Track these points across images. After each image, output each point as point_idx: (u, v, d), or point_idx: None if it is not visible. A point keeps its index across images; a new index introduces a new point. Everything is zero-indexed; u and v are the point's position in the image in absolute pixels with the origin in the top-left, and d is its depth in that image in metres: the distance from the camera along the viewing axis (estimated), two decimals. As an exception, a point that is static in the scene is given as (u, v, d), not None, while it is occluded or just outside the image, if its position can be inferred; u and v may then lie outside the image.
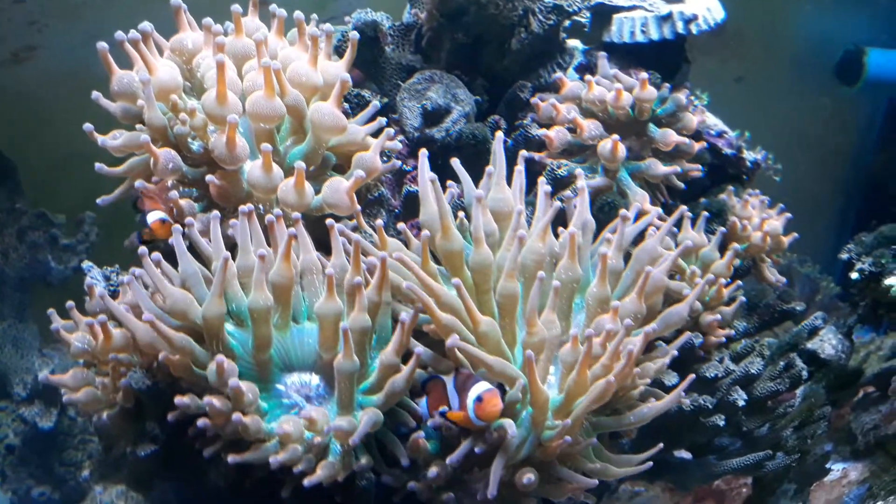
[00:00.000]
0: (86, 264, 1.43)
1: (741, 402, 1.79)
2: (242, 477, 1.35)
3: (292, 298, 1.33)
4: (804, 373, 1.92)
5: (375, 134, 1.58)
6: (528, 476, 1.34)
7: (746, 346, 1.86)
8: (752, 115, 3.33)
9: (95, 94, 1.51)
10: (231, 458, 1.22)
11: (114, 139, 1.49)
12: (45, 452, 2.33)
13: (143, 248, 1.27)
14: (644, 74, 1.72)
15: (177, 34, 1.57)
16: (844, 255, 2.05)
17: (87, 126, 1.48)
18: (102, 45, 1.43)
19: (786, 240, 1.96)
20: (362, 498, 1.31)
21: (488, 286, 1.45)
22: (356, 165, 1.52)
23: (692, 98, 2.00)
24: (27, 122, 2.87)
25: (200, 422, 1.21)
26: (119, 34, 1.43)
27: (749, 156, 1.99)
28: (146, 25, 1.49)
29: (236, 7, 1.56)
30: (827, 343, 2.06)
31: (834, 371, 2.10)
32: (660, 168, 1.76)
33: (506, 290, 1.40)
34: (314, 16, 1.85)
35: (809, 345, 2.05)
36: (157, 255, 1.27)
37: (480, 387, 1.26)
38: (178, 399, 1.22)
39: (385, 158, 1.68)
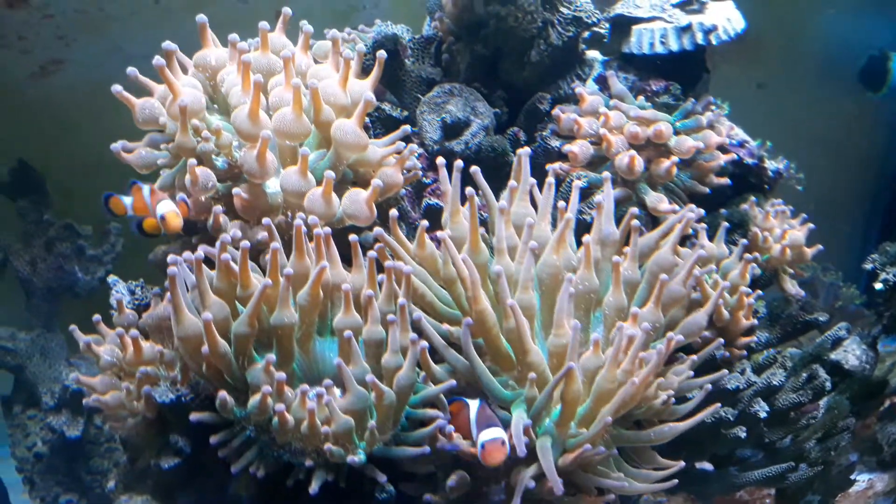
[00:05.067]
0: (111, 278, 1.46)
1: (763, 414, 1.77)
2: (265, 491, 1.36)
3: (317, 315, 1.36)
4: (827, 384, 1.90)
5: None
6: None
7: (768, 357, 1.85)
8: (774, 121, 3.30)
9: (115, 146, 1.53)
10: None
11: (139, 157, 1.54)
12: (73, 461, 2.37)
13: (199, 254, 1.27)
14: (661, 85, 1.73)
15: (200, 51, 1.60)
16: (868, 265, 2.02)
17: (115, 146, 1.52)
18: (117, 87, 1.46)
19: (809, 251, 1.94)
20: (383, 509, 1.31)
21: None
22: (379, 179, 1.53)
23: (713, 108, 1.99)
24: (54, 133, 2.93)
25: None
26: (130, 70, 1.46)
27: (771, 165, 1.97)
28: (170, 44, 1.51)
29: (264, 24, 1.59)
30: (851, 354, 2.03)
31: (858, 382, 2.07)
32: (662, 164, 1.74)
33: (522, 301, 1.40)
34: (347, 30, 1.87)
35: (833, 355, 2.03)
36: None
37: (489, 433, 1.27)
38: (220, 394, 1.24)
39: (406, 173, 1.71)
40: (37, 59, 3.03)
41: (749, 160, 1.94)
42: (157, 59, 1.44)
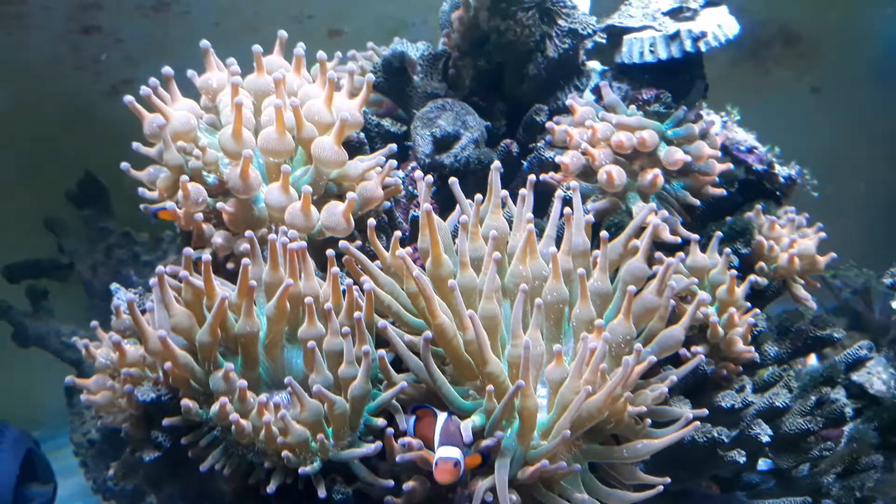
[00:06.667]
0: (114, 286, 1.60)
1: (765, 438, 1.68)
2: (244, 486, 1.45)
3: (287, 323, 1.44)
4: (848, 410, 1.79)
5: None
6: (511, 496, 1.36)
7: (773, 374, 1.77)
8: (830, 126, 3.12)
9: (136, 144, 1.69)
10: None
11: (149, 175, 1.68)
12: (120, 447, 2.57)
13: (159, 268, 1.40)
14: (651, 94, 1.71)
15: (204, 74, 1.73)
16: (888, 280, 1.89)
17: (124, 165, 1.67)
18: (129, 98, 1.60)
19: (822, 260, 1.84)
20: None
21: (475, 308, 1.48)
22: (357, 193, 1.61)
23: (723, 117, 1.93)
24: (122, 148, 3.19)
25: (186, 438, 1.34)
26: (143, 89, 1.60)
27: (782, 171, 1.89)
28: (168, 70, 1.65)
29: (257, 47, 1.70)
30: (876, 377, 1.90)
31: (887, 410, 1.91)
32: (647, 175, 1.71)
33: (485, 311, 1.43)
34: (338, 54, 1.97)
35: (856, 377, 1.90)
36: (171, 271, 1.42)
37: (443, 451, 1.30)
38: (183, 402, 1.36)
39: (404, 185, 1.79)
40: (109, 79, 3.31)
41: (758, 166, 1.88)
42: (144, 89, 1.58)
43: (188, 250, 1.40)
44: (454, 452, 1.31)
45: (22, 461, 1.92)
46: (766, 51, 2.69)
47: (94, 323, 1.58)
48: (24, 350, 2.76)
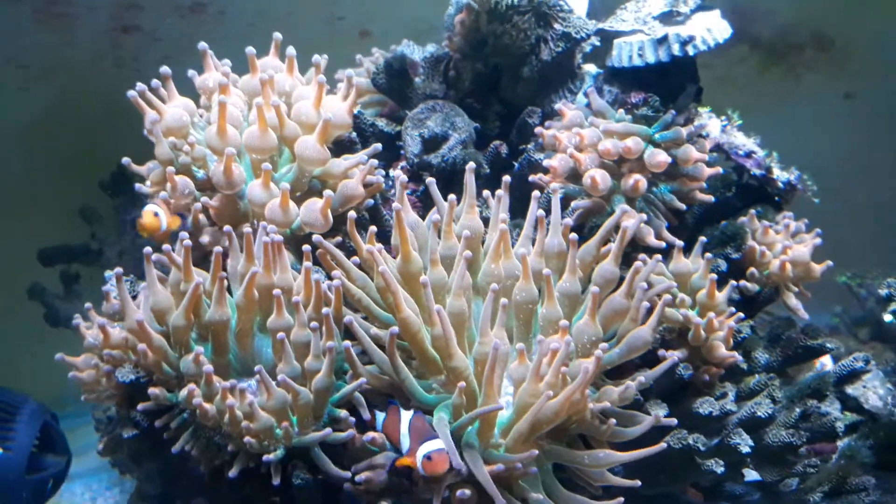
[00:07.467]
0: (108, 273, 1.69)
1: (745, 449, 1.65)
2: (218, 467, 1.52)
3: (257, 314, 1.49)
4: (839, 424, 1.74)
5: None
6: (463, 490, 1.38)
7: (759, 382, 1.73)
8: (863, 133, 3.00)
9: (145, 131, 1.76)
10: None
11: (148, 170, 1.77)
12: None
13: (147, 249, 1.48)
14: (640, 99, 1.69)
15: (202, 74, 1.81)
16: (884, 291, 1.82)
17: (125, 160, 1.76)
18: (132, 93, 1.68)
19: (817, 268, 1.80)
20: (302, 493, 1.42)
21: (444, 305, 1.51)
22: (338, 191, 1.66)
23: (723, 121, 1.90)
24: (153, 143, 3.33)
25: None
26: (139, 85, 1.68)
27: (781, 176, 1.85)
28: (166, 69, 1.73)
29: (250, 49, 1.77)
30: (871, 391, 1.83)
31: (885, 427, 1.84)
32: (629, 180, 1.70)
33: (453, 307, 1.46)
34: (325, 56, 2.02)
35: (850, 390, 1.84)
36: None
37: (431, 445, 1.31)
38: (150, 390, 1.44)
39: (390, 184, 1.82)
40: (146, 77, 3.46)
41: (756, 171, 1.84)
42: (140, 85, 1.66)
43: (183, 234, 1.47)
44: (440, 444, 1.32)
45: (39, 432, 2.03)
46: (797, 55, 2.63)
47: (88, 305, 1.68)
48: (54, 330, 2.91)
